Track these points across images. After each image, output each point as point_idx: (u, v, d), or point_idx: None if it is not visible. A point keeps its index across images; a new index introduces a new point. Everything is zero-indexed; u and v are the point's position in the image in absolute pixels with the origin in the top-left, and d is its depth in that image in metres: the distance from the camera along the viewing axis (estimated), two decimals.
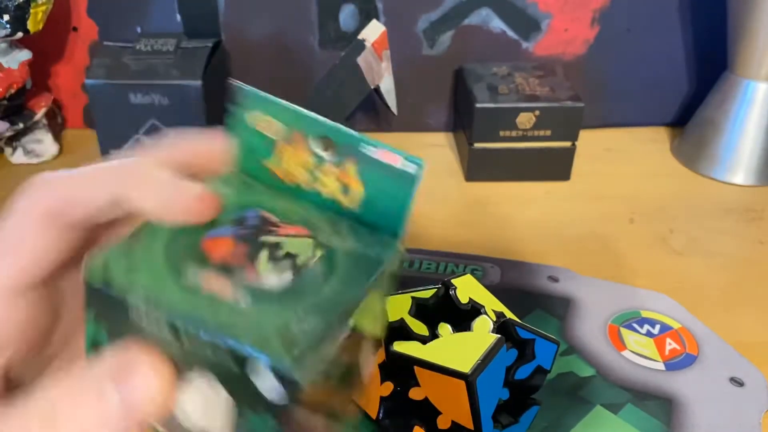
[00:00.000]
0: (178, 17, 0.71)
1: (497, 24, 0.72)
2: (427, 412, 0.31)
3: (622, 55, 0.75)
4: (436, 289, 0.34)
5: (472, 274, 0.55)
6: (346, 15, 0.72)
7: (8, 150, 0.70)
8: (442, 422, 0.30)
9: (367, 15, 0.72)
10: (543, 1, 0.71)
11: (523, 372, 0.32)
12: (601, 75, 0.76)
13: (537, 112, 0.65)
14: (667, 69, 0.76)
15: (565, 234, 0.61)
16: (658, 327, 0.50)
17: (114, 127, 0.64)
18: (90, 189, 0.23)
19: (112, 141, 0.65)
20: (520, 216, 0.63)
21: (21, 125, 0.68)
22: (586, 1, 0.72)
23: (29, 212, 0.22)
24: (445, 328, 0.32)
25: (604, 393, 0.45)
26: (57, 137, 0.72)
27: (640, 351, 0.48)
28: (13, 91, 0.66)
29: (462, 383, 0.28)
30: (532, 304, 0.52)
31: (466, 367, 0.28)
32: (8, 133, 0.68)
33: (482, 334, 0.31)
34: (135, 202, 0.22)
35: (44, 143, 0.71)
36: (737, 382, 0.46)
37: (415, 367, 0.29)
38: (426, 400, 0.30)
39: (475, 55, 0.73)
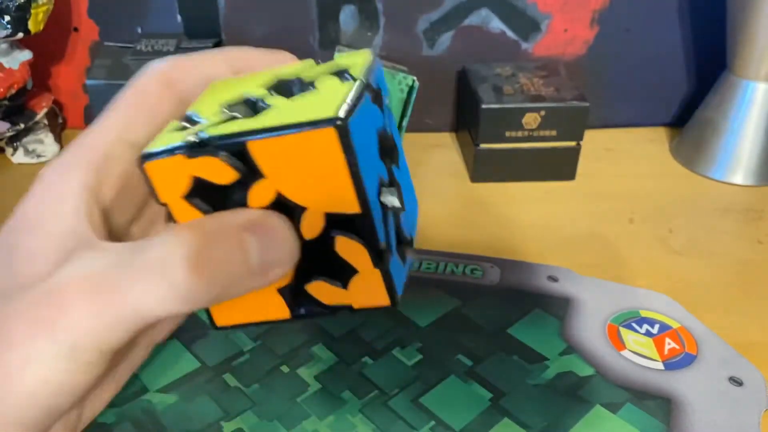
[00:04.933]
0: (179, 18, 0.72)
1: (497, 24, 0.73)
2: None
3: (622, 55, 0.75)
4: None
5: (472, 274, 0.55)
6: (347, 15, 0.72)
7: (9, 150, 0.70)
8: (310, 227, 0.20)
9: (367, 15, 0.72)
10: (542, 1, 0.72)
11: (387, 120, 0.23)
12: (601, 75, 0.76)
13: (542, 112, 0.65)
14: (667, 69, 0.76)
15: (564, 234, 0.61)
16: (657, 326, 0.50)
17: None
18: (207, 61, 0.24)
19: None
20: (520, 216, 0.63)
21: (22, 125, 0.68)
22: (586, 2, 0.72)
23: (151, 76, 0.24)
24: (274, 99, 0.21)
25: (604, 392, 0.45)
26: (58, 137, 0.73)
27: (640, 350, 0.48)
28: (13, 91, 0.66)
29: (329, 134, 0.18)
30: (532, 304, 0.52)
31: (330, 111, 0.18)
32: (9, 134, 0.68)
33: (333, 87, 0.21)
34: (244, 63, 0.24)
35: (45, 143, 0.71)
36: (736, 382, 0.46)
37: (250, 144, 0.19)
38: (278, 201, 0.20)
39: (475, 55, 0.73)
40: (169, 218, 0.21)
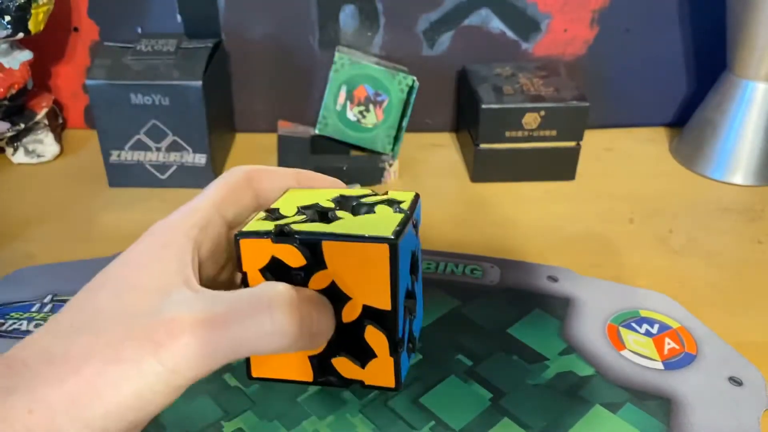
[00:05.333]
0: (179, 18, 0.72)
1: (497, 24, 0.73)
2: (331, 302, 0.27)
3: (622, 55, 0.75)
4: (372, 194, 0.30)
5: (472, 273, 0.55)
6: (347, 15, 0.72)
7: (9, 150, 0.70)
8: (349, 313, 0.26)
9: (367, 15, 0.72)
10: (542, 1, 0.72)
11: (418, 247, 0.30)
12: (601, 75, 0.76)
13: (542, 112, 0.65)
14: (666, 69, 0.76)
15: (564, 234, 0.61)
16: (657, 326, 0.50)
17: (115, 127, 0.64)
18: (280, 173, 0.30)
19: (112, 141, 0.65)
20: (520, 216, 0.63)
21: (22, 125, 0.68)
22: (586, 2, 0.72)
23: (233, 172, 0.29)
24: (343, 213, 0.28)
25: (604, 392, 0.45)
26: (58, 137, 0.73)
27: (640, 350, 0.48)
28: (14, 91, 0.66)
29: (383, 249, 0.24)
30: (532, 303, 0.52)
31: (386, 232, 0.25)
32: (9, 133, 0.68)
33: (387, 213, 0.28)
34: (309, 184, 0.31)
35: (45, 143, 0.71)
36: (736, 382, 0.46)
37: (324, 243, 0.25)
38: (330, 288, 0.26)
39: (475, 55, 0.73)
40: (243, 284, 0.26)
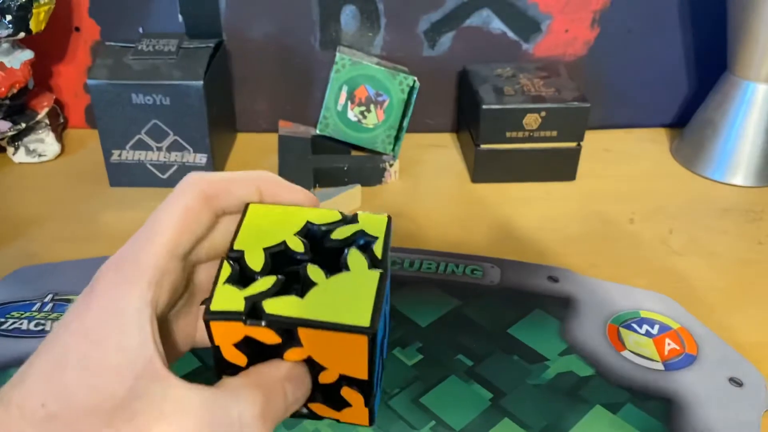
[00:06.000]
0: (180, 18, 0.72)
1: (497, 25, 0.73)
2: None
3: (622, 56, 0.75)
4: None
5: (472, 274, 0.55)
6: (348, 16, 0.72)
7: (10, 149, 0.70)
8: (325, 377, 0.27)
9: (368, 16, 0.72)
10: (543, 2, 0.72)
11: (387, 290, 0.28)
12: (601, 76, 0.76)
13: (543, 113, 0.65)
14: (667, 70, 0.76)
15: (564, 234, 0.61)
16: (657, 327, 0.50)
17: (116, 127, 0.64)
18: (239, 183, 0.28)
19: (113, 140, 0.65)
20: (520, 216, 0.63)
21: (23, 125, 0.68)
22: (587, 3, 0.72)
23: (189, 191, 0.27)
24: (315, 272, 0.26)
25: (604, 393, 0.45)
26: (59, 137, 0.73)
27: (640, 351, 0.48)
28: (15, 90, 0.66)
29: (362, 339, 0.24)
30: (532, 304, 0.52)
31: (363, 320, 0.24)
32: (10, 133, 0.68)
33: (362, 271, 0.26)
34: (272, 196, 0.29)
35: (46, 143, 0.71)
36: (736, 382, 0.46)
37: (299, 329, 0.25)
38: (306, 359, 0.26)
39: (476, 56, 0.73)
40: (216, 355, 0.26)
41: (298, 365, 0.26)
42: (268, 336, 0.25)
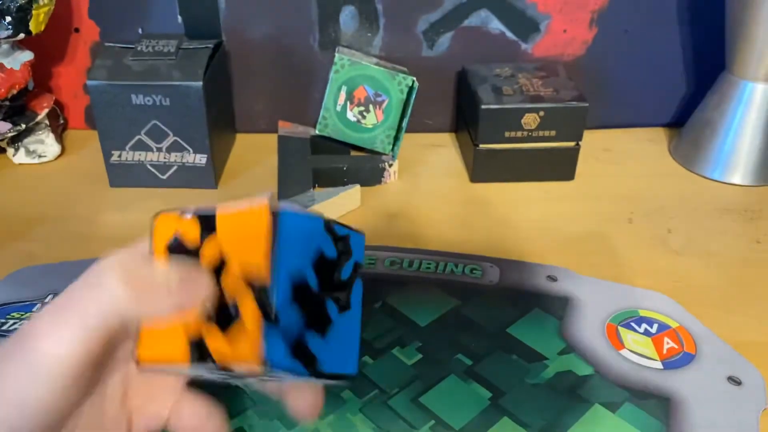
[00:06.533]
0: (179, 18, 0.72)
1: (496, 25, 0.73)
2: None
3: (621, 56, 0.75)
4: None
5: (471, 273, 0.55)
6: (347, 16, 0.72)
7: (10, 150, 0.71)
8: (228, 280, 0.26)
9: (367, 16, 0.72)
10: (542, 2, 0.72)
11: (346, 271, 0.29)
12: (600, 76, 0.76)
13: (542, 113, 0.65)
14: (666, 70, 0.77)
15: (563, 234, 0.61)
16: (656, 326, 0.50)
17: (115, 128, 0.64)
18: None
19: (113, 141, 0.65)
20: (519, 216, 0.64)
21: (23, 126, 0.69)
22: (585, 3, 0.72)
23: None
24: None
25: (603, 391, 0.45)
26: (59, 138, 0.73)
27: (639, 350, 0.48)
28: (15, 91, 0.66)
29: (265, 210, 0.25)
30: (531, 303, 0.52)
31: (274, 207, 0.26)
32: (10, 134, 0.68)
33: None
34: None
35: (46, 144, 0.71)
36: (735, 381, 0.46)
37: (218, 214, 0.27)
38: (219, 262, 0.26)
39: (475, 56, 0.73)
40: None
41: (197, 264, 0.26)
42: (192, 231, 0.27)
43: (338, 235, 0.29)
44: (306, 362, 0.27)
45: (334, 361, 0.28)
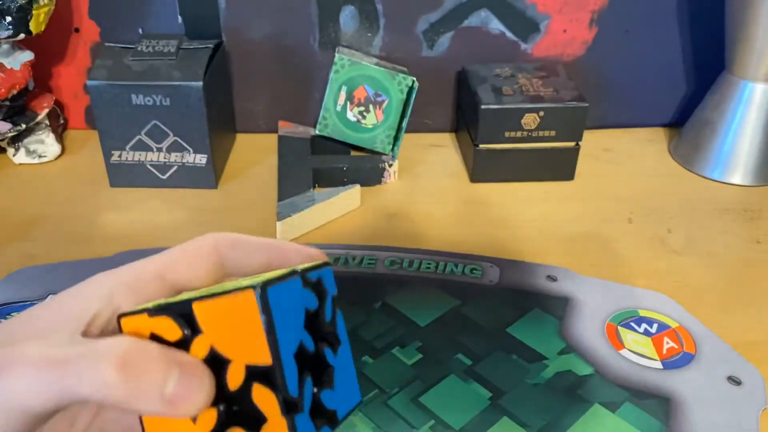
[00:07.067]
0: (180, 19, 0.72)
1: (496, 25, 0.73)
2: (216, 376, 0.25)
3: (621, 55, 0.75)
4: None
5: (471, 273, 0.56)
6: (347, 16, 0.72)
7: (11, 150, 0.71)
8: (233, 378, 0.24)
9: (367, 16, 0.72)
10: (542, 2, 0.72)
11: (328, 313, 0.28)
12: (600, 76, 0.76)
13: (542, 113, 0.65)
14: (665, 70, 0.77)
15: (563, 234, 0.61)
16: (656, 326, 0.50)
17: (116, 128, 0.64)
18: (248, 245, 0.29)
19: (113, 141, 0.65)
20: (519, 216, 0.64)
21: (23, 126, 0.69)
22: (585, 3, 0.72)
23: (206, 237, 0.28)
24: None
25: (603, 391, 0.45)
26: (59, 138, 0.73)
27: (638, 350, 0.48)
28: (15, 91, 0.67)
29: (250, 297, 0.23)
30: (531, 303, 0.52)
31: (255, 282, 0.24)
32: (11, 134, 0.68)
33: (273, 272, 0.27)
34: (282, 259, 0.29)
35: (46, 144, 0.71)
36: (735, 381, 0.46)
37: (194, 305, 0.24)
38: (211, 356, 0.24)
39: (475, 56, 0.73)
40: None
41: (198, 362, 0.24)
42: (170, 330, 0.25)
43: (312, 281, 0.28)
44: (329, 422, 0.26)
45: (344, 402, 0.28)
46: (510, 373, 0.47)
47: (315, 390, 0.26)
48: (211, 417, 0.24)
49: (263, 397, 0.24)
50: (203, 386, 0.24)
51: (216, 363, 0.24)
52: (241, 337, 0.24)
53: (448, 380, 0.46)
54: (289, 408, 0.24)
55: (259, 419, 0.24)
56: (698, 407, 0.44)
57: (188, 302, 0.24)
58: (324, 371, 0.27)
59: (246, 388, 0.24)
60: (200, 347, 0.24)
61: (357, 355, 0.48)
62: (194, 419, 0.24)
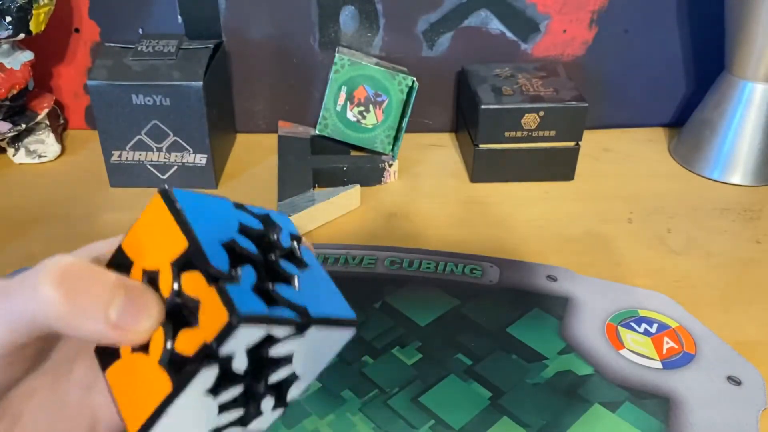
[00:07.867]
0: (180, 19, 0.72)
1: (496, 25, 0.73)
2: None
3: (620, 56, 0.75)
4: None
5: (471, 273, 0.56)
6: (347, 16, 0.72)
7: (11, 150, 0.71)
8: (164, 282, 0.24)
9: (367, 16, 0.72)
10: (542, 2, 0.72)
11: (285, 241, 0.27)
12: (600, 76, 0.76)
13: (542, 113, 0.65)
14: (665, 70, 0.77)
15: (563, 234, 0.61)
16: (655, 326, 0.50)
17: (116, 128, 0.64)
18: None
19: (113, 141, 0.65)
20: (519, 216, 0.64)
21: (23, 126, 0.69)
22: (585, 3, 0.72)
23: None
24: None
25: (603, 391, 0.45)
26: (59, 138, 0.73)
27: (638, 350, 0.48)
28: (15, 91, 0.67)
29: (156, 198, 0.24)
30: (531, 303, 0.52)
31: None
32: (11, 134, 0.68)
33: None
34: None
35: (46, 143, 0.71)
36: (734, 381, 0.46)
37: (122, 244, 0.25)
38: (147, 280, 0.25)
39: (475, 56, 0.73)
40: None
41: (145, 287, 0.24)
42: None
43: (254, 213, 0.28)
44: (298, 312, 0.25)
45: (322, 306, 0.26)
46: (510, 373, 0.47)
47: (271, 285, 0.25)
48: (159, 338, 0.24)
49: (193, 283, 0.23)
50: (150, 307, 0.23)
51: (151, 284, 0.24)
52: (161, 240, 0.24)
53: (448, 380, 0.46)
54: (214, 278, 0.23)
55: (195, 311, 0.23)
56: (698, 407, 0.44)
57: (119, 247, 0.25)
58: (283, 275, 0.26)
59: (178, 286, 0.24)
60: (136, 276, 0.25)
61: (357, 355, 0.48)
62: (146, 349, 0.24)
